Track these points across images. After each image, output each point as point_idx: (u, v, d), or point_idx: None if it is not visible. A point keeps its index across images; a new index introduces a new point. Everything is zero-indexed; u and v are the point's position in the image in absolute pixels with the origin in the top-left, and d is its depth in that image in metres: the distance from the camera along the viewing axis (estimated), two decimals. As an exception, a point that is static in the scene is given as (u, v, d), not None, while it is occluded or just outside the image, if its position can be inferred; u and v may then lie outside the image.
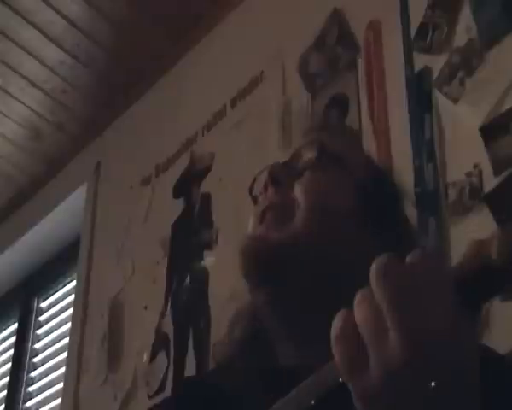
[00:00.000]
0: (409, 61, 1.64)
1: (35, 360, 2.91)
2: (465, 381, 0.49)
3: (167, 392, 1.98)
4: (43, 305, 3.01)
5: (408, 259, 0.51)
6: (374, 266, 0.51)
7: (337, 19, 1.88)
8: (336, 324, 0.51)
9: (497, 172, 1.40)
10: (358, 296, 0.51)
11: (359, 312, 0.50)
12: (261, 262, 0.80)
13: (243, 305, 0.86)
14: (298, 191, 0.83)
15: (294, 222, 0.80)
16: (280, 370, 0.77)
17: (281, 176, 0.85)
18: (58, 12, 2.44)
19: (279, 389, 0.56)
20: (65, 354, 2.60)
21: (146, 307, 2.22)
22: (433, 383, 0.47)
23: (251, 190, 0.90)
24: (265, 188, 0.85)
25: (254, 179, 0.91)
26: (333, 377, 0.51)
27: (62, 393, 2.51)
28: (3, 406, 2.90)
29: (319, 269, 0.79)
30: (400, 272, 0.50)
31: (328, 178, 0.85)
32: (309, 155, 0.86)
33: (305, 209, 0.81)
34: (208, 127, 2.25)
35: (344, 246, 0.81)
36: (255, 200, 0.88)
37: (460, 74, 1.54)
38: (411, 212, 0.96)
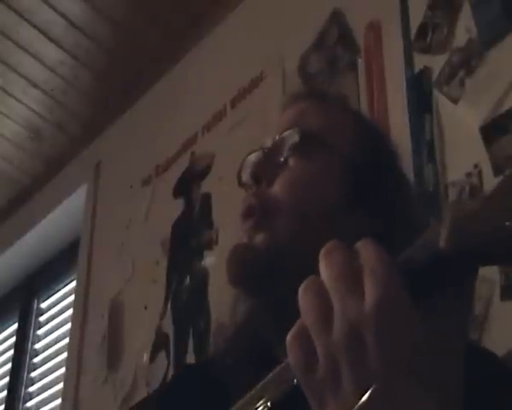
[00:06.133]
0: (409, 61, 1.64)
1: (35, 360, 2.91)
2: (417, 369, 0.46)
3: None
4: (44, 305, 3.01)
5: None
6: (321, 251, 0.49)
7: (337, 19, 1.88)
8: (292, 329, 0.48)
9: (497, 172, 1.40)
10: (301, 285, 0.48)
11: (302, 302, 0.48)
12: (246, 271, 0.78)
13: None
14: (278, 188, 0.80)
15: (276, 225, 0.78)
16: (273, 358, 0.77)
17: (262, 171, 0.82)
18: (58, 12, 2.44)
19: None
20: (65, 355, 2.60)
21: (146, 307, 2.22)
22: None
23: (239, 178, 0.87)
24: (250, 183, 0.83)
25: (241, 167, 0.88)
26: (287, 379, 0.49)
27: (62, 393, 2.51)
28: (3, 406, 2.89)
29: (306, 270, 0.77)
30: (345, 257, 0.48)
31: (314, 165, 0.81)
32: (292, 139, 0.83)
33: (286, 210, 0.78)
34: (208, 127, 2.25)
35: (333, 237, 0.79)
36: (245, 187, 0.86)
37: (460, 74, 1.54)
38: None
